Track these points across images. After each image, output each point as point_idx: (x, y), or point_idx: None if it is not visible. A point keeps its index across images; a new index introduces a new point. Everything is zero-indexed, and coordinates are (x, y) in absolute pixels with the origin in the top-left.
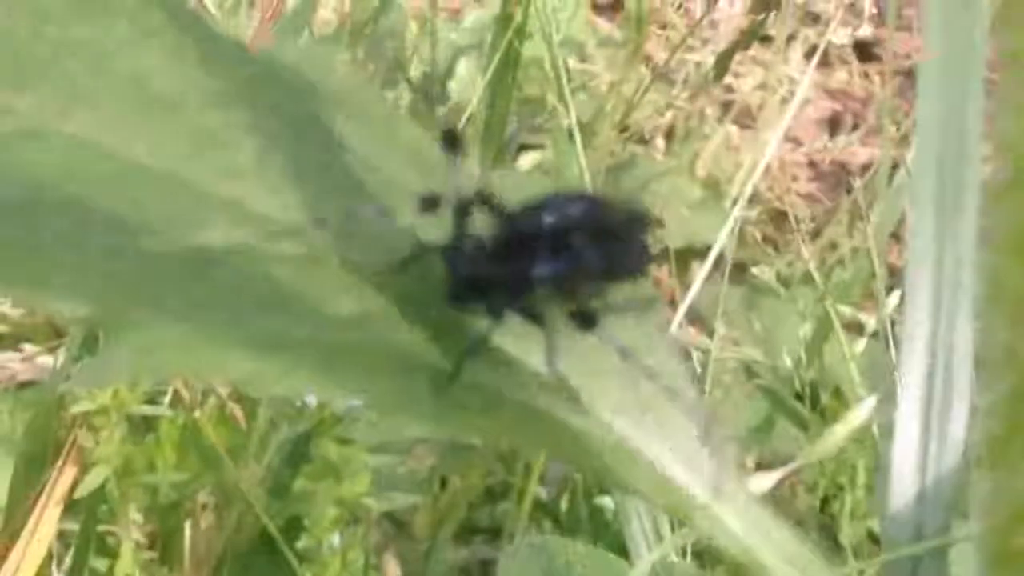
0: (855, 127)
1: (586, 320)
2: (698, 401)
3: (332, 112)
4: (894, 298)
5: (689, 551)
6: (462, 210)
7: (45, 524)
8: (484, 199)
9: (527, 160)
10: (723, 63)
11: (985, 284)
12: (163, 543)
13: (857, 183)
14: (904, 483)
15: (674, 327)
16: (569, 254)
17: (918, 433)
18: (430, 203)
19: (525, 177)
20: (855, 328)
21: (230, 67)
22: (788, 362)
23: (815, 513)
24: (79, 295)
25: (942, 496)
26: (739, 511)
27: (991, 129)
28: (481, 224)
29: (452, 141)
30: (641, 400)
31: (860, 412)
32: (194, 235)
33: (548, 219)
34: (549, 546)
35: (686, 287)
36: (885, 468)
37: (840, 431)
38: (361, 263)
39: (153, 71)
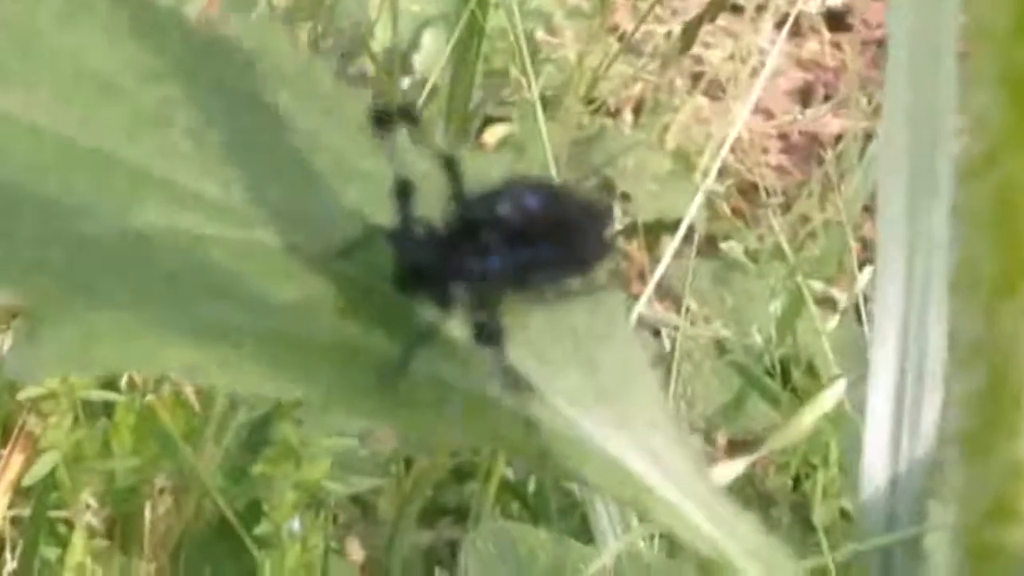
0: (827, 98)
1: (539, 309)
2: (660, 390)
3: (276, 88)
4: (867, 273)
5: (657, 539)
6: (408, 192)
7: None
8: (441, 178)
9: (493, 134)
10: (690, 34)
11: (956, 272)
12: (120, 528)
13: (829, 155)
14: (876, 471)
15: (643, 301)
16: (523, 243)
17: (890, 420)
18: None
19: (483, 157)
20: (828, 303)
21: (169, 42)
22: (759, 339)
23: (787, 492)
24: (9, 282)
25: (915, 484)
26: (703, 504)
27: (962, 103)
28: (433, 207)
29: (401, 117)
30: (600, 390)
31: (829, 397)
32: (130, 218)
33: (503, 206)
34: (513, 533)
35: (656, 261)
36: (858, 454)
37: (808, 416)
38: (305, 247)
39: (87, 47)
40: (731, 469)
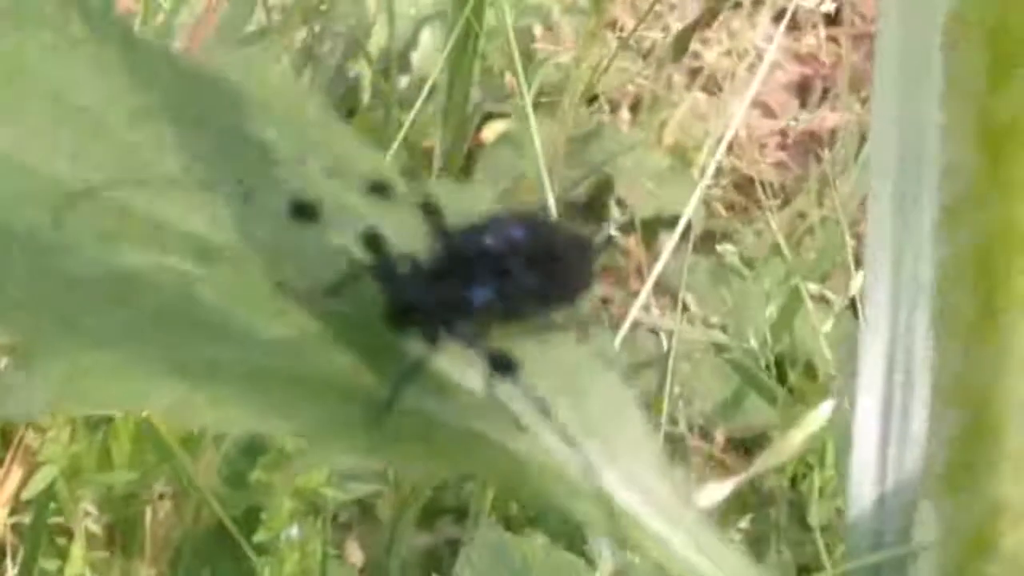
0: (825, 92)
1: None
2: (645, 422)
3: (263, 121)
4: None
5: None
6: (395, 227)
7: None
8: (426, 215)
9: (492, 130)
10: (684, 40)
11: (936, 315)
12: (120, 534)
13: (828, 150)
14: (864, 489)
15: (642, 298)
16: (509, 278)
17: (877, 437)
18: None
19: (469, 192)
20: (826, 301)
21: (155, 77)
22: (754, 340)
23: (785, 491)
24: None
25: (902, 502)
26: (692, 536)
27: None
28: (421, 242)
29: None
30: (587, 423)
31: (819, 415)
32: (118, 256)
33: (489, 240)
34: (508, 543)
35: (654, 258)
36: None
37: (799, 435)
38: (293, 284)
39: (75, 83)
40: (721, 489)
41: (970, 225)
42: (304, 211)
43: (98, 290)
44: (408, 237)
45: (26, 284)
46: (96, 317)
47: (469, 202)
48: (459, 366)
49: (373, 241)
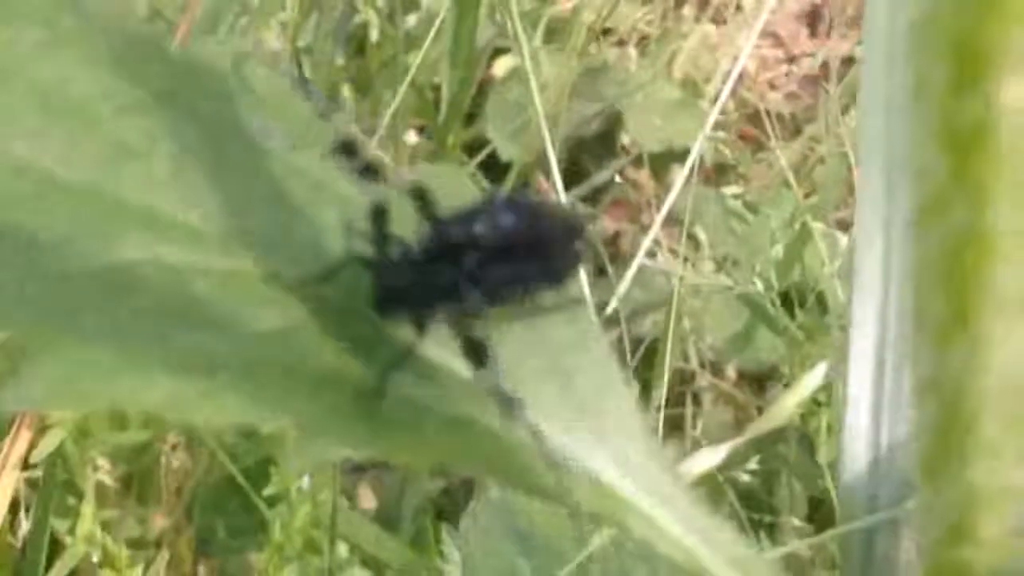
0: (833, 21)
1: (514, 323)
2: (635, 402)
3: (255, 113)
4: None
5: None
6: (384, 214)
7: (2, 489)
8: (415, 201)
9: (502, 66)
10: None
11: (913, 305)
12: (135, 484)
13: (837, 80)
14: (858, 452)
15: (654, 231)
16: (499, 259)
17: (870, 401)
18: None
19: (459, 178)
20: (841, 226)
21: (147, 71)
22: (758, 276)
23: (795, 427)
24: None
25: (896, 465)
26: (681, 516)
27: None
28: (411, 229)
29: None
30: (576, 404)
31: (811, 380)
32: (111, 251)
33: (477, 225)
34: (513, 506)
35: (665, 191)
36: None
37: (792, 399)
38: (285, 273)
39: (67, 78)
40: (715, 455)
41: (938, 227)
42: (294, 200)
43: (91, 285)
44: (397, 223)
45: (19, 280)
46: (90, 313)
47: (457, 186)
48: (448, 352)
49: (377, 218)
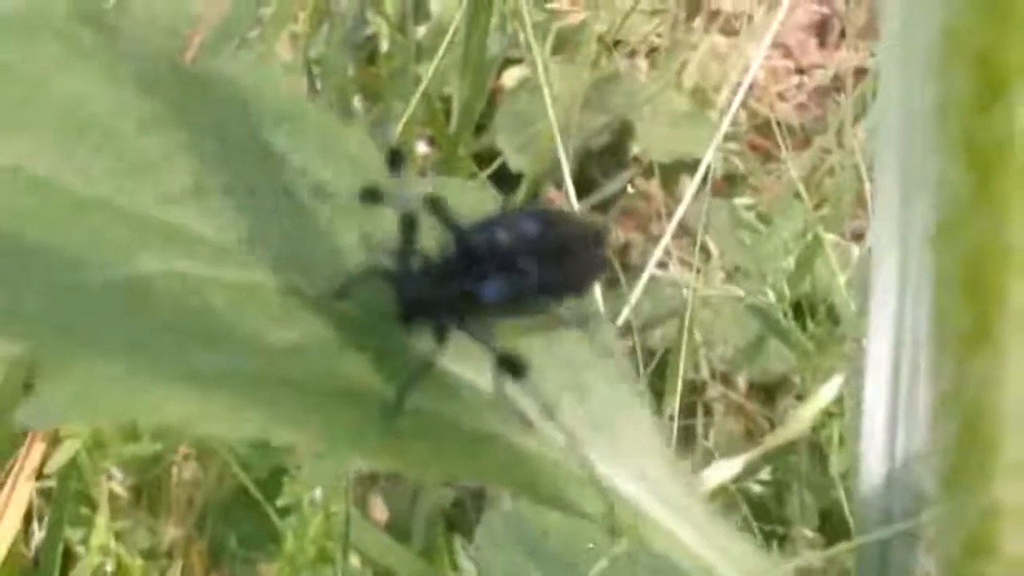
0: (843, 32)
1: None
2: (651, 415)
3: (272, 127)
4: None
5: None
6: (404, 227)
7: (17, 500)
8: (434, 213)
9: (511, 76)
10: None
11: (933, 319)
12: (146, 496)
13: (848, 89)
14: (874, 465)
15: (664, 242)
16: (521, 272)
17: (886, 414)
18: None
19: (477, 191)
20: (852, 237)
21: (165, 87)
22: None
23: (807, 438)
24: (10, 333)
25: (911, 478)
26: (697, 528)
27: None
28: (429, 241)
29: (396, 160)
30: (593, 417)
31: (827, 391)
32: (129, 264)
33: (501, 236)
34: (526, 515)
35: (675, 202)
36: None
37: (808, 411)
38: (304, 288)
39: (87, 95)
40: (730, 467)
41: (959, 241)
42: (312, 214)
43: (109, 298)
44: (417, 236)
45: (38, 295)
46: (109, 328)
47: (476, 200)
48: (467, 365)
49: (405, 229)
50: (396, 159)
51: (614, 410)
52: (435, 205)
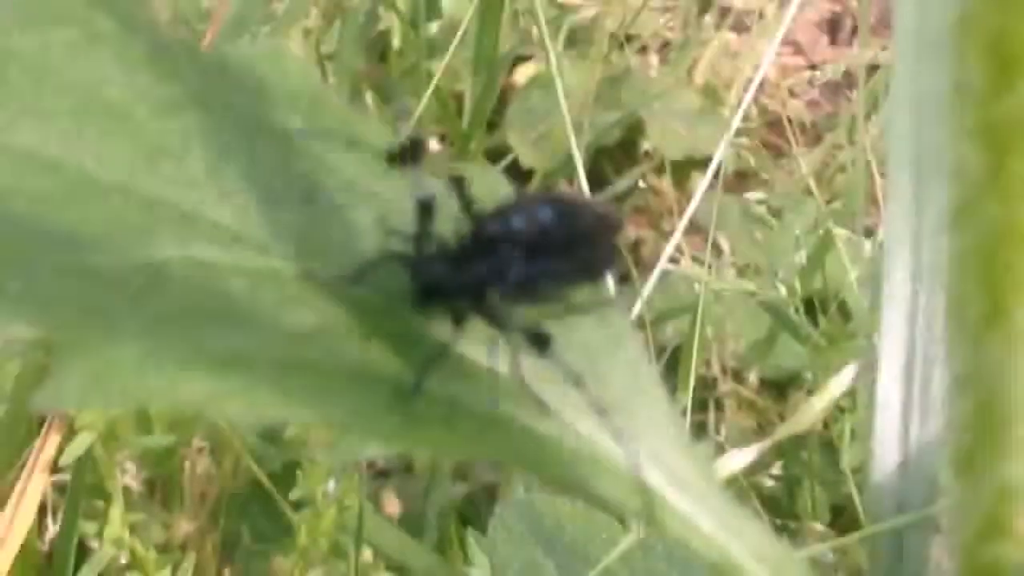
0: (855, 29)
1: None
2: (667, 399)
3: (287, 112)
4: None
5: None
6: (421, 212)
7: (31, 492)
8: (454, 192)
9: (523, 73)
10: None
11: (947, 307)
12: (159, 489)
13: (858, 87)
14: (887, 453)
15: (676, 237)
16: (538, 257)
17: (900, 402)
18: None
19: (492, 175)
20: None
21: (181, 71)
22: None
23: (818, 433)
24: (26, 316)
25: (925, 466)
26: (713, 512)
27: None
28: (445, 227)
29: (412, 149)
30: (609, 401)
31: (839, 383)
32: (146, 249)
33: (517, 221)
34: (540, 507)
35: (686, 199)
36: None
37: (819, 403)
38: (320, 272)
39: (102, 79)
40: (744, 455)
41: (974, 224)
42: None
43: (127, 284)
44: (433, 221)
45: (55, 279)
46: (125, 311)
47: (488, 185)
48: (484, 349)
49: (423, 214)
50: (415, 146)
51: (631, 395)
52: (456, 184)
